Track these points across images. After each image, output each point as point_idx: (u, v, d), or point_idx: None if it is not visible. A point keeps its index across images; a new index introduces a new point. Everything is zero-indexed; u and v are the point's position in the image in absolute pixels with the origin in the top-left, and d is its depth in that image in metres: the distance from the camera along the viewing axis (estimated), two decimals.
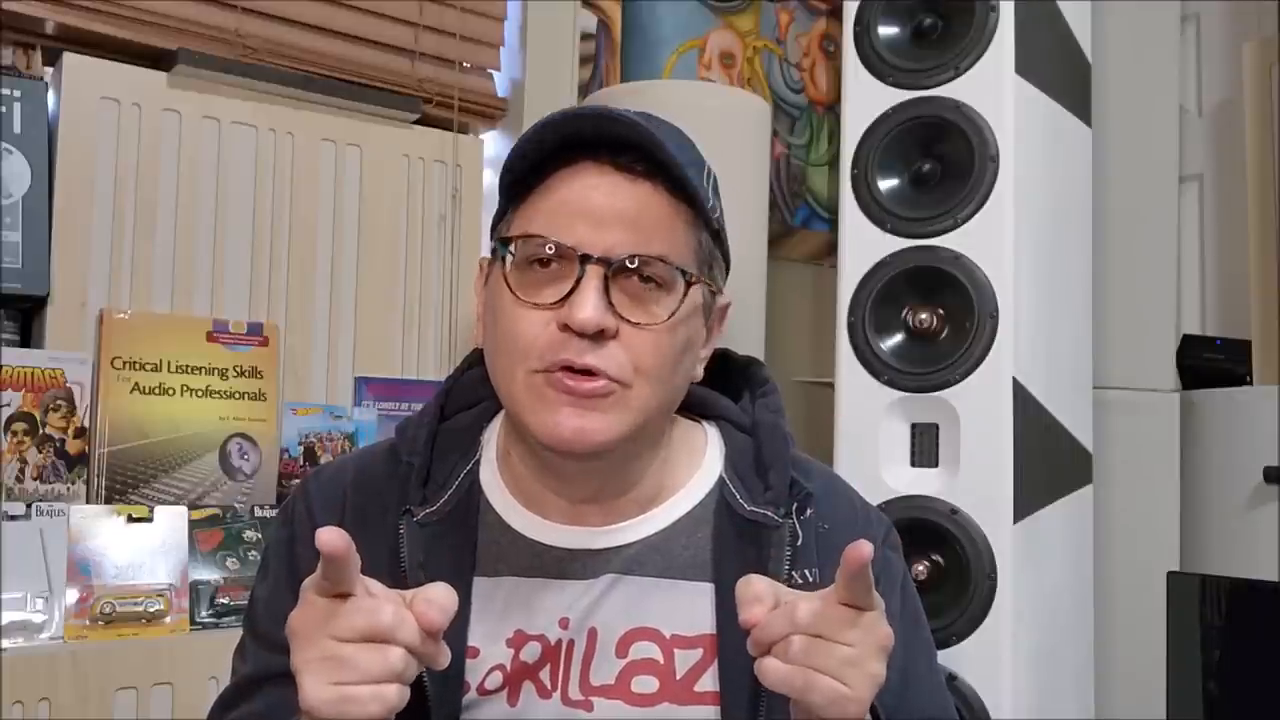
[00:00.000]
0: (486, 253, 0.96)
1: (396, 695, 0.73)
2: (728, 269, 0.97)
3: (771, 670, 0.76)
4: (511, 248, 0.87)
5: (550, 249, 0.86)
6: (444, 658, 0.76)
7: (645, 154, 0.87)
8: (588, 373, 0.85)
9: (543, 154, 0.88)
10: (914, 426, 1.85)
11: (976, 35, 1.83)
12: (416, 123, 1.92)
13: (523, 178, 0.89)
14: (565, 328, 0.84)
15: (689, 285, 0.89)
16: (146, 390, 1.59)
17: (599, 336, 0.84)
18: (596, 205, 0.86)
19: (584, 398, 0.85)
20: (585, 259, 0.85)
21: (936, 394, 1.80)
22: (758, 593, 0.77)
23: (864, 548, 0.73)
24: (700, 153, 0.94)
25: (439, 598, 0.74)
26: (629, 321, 0.86)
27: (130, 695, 1.44)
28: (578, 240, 0.85)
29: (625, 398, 0.86)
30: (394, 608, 0.73)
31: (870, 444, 1.85)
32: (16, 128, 1.54)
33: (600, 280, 0.85)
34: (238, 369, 1.67)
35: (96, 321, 1.58)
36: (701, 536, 0.94)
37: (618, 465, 0.91)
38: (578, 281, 0.84)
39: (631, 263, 0.86)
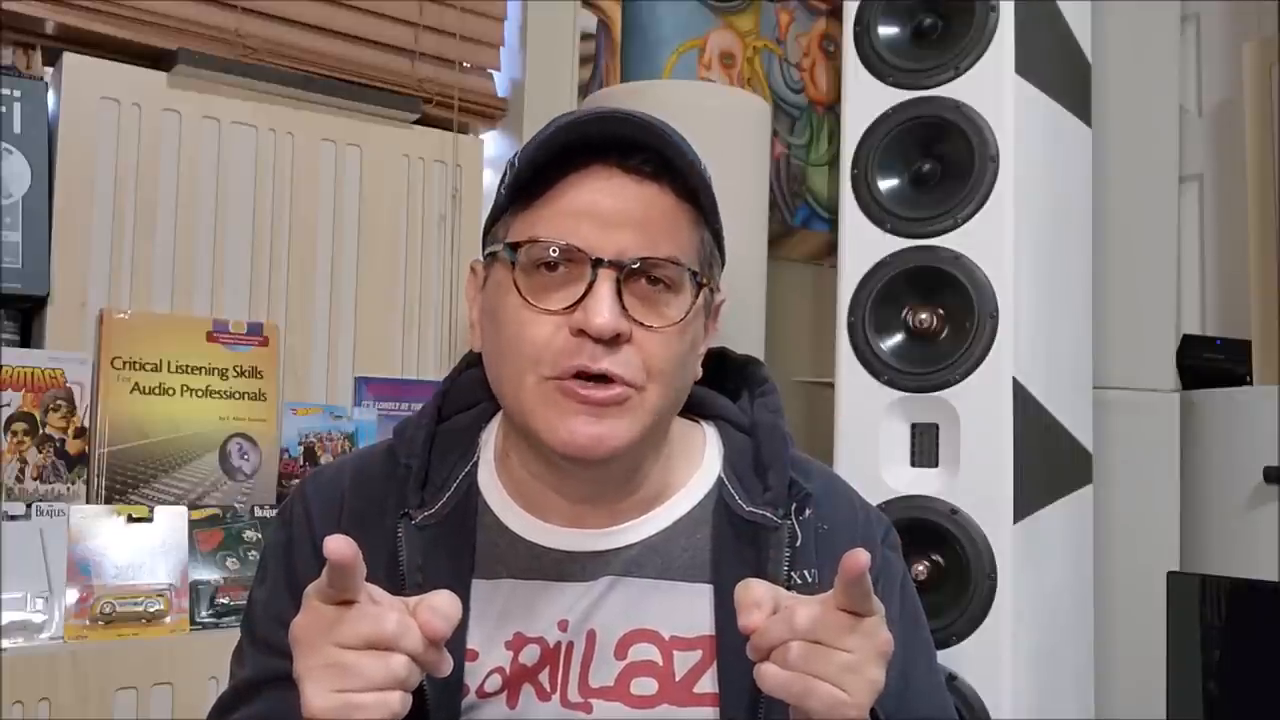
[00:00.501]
0: (480, 256, 0.96)
1: (400, 703, 0.73)
2: (723, 265, 0.97)
3: (770, 676, 0.76)
4: (519, 251, 0.87)
5: (557, 252, 0.85)
6: (447, 665, 0.76)
7: (652, 154, 0.87)
8: (602, 378, 0.84)
9: (549, 157, 0.87)
10: (914, 426, 1.85)
11: (976, 35, 1.83)
12: (416, 123, 1.92)
13: (526, 182, 0.89)
14: (580, 333, 0.84)
15: (700, 287, 0.89)
16: (146, 390, 1.59)
17: (614, 341, 0.84)
18: (604, 208, 0.86)
19: (599, 405, 0.84)
20: (598, 263, 0.84)
21: (936, 394, 1.80)
22: (756, 598, 0.77)
23: (861, 556, 0.73)
24: (697, 151, 0.94)
25: (443, 606, 0.74)
26: (642, 325, 0.86)
27: (130, 695, 1.44)
28: (587, 243, 0.85)
29: (639, 401, 0.86)
30: (398, 615, 0.73)
31: (870, 444, 1.85)
32: (16, 128, 1.54)
33: (613, 284, 0.84)
34: (238, 369, 1.67)
35: (96, 321, 1.58)
36: (700, 537, 0.94)
37: (625, 468, 0.91)
38: (590, 285, 0.84)
39: (642, 265, 0.86)
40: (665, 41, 2.29)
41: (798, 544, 0.92)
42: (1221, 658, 1.83)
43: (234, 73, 1.71)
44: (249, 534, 1.61)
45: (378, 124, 1.86)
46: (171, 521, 1.55)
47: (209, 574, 1.55)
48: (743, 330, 1.89)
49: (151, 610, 1.49)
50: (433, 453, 0.95)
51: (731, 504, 0.94)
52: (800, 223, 2.50)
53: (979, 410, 1.78)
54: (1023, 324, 1.79)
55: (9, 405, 1.48)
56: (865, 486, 1.15)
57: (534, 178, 0.88)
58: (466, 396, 0.99)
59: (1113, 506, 2.08)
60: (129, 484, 1.56)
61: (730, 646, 0.88)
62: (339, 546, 0.70)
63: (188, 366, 1.63)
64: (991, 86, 1.82)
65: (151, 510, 1.54)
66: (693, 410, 1.00)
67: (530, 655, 0.91)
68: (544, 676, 0.91)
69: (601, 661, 0.91)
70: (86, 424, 1.54)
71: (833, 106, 2.52)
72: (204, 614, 1.53)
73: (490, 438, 0.98)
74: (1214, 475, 2.16)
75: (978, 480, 1.78)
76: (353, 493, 0.95)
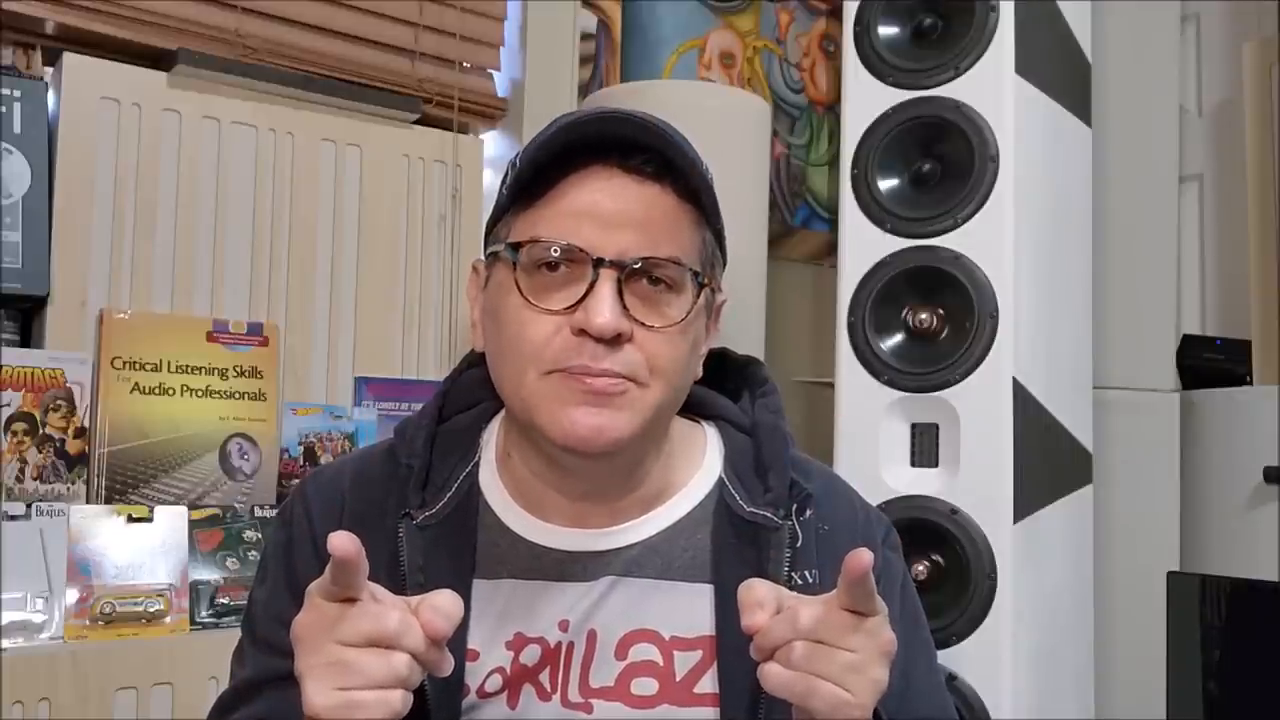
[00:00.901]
0: (481, 255, 0.96)
1: (401, 701, 0.73)
2: (724, 266, 0.97)
3: (773, 675, 0.76)
4: (520, 251, 0.87)
5: (558, 252, 0.85)
6: (448, 664, 0.76)
7: (654, 155, 0.87)
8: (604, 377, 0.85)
9: (550, 157, 0.87)
10: (914, 426, 1.85)
11: (976, 35, 1.83)
12: (416, 123, 1.92)
13: (527, 182, 0.89)
14: (581, 332, 0.84)
15: (701, 287, 0.89)
16: (146, 390, 1.59)
17: (615, 341, 0.84)
18: (605, 208, 0.86)
19: (600, 394, 0.85)
20: (599, 263, 0.84)
21: (936, 394, 1.80)
22: (759, 598, 0.77)
23: (864, 556, 0.73)
24: (698, 152, 0.94)
25: (444, 605, 0.74)
26: (643, 324, 0.86)
27: (130, 695, 1.44)
28: (588, 243, 0.85)
29: (640, 396, 0.86)
30: (400, 614, 0.73)
31: (870, 444, 1.85)
32: (16, 128, 1.54)
33: (614, 284, 0.84)
34: (238, 369, 1.67)
35: (96, 321, 1.58)
36: (701, 538, 0.94)
37: (627, 463, 0.91)
38: (591, 285, 0.84)
39: (643, 265, 0.86)
40: (665, 41, 2.29)
41: (798, 544, 0.92)
42: (1221, 658, 1.83)
43: (234, 73, 1.71)
44: (249, 534, 1.61)
45: (378, 124, 1.86)
46: (171, 521, 1.55)
47: (209, 574, 1.55)
48: (743, 330, 1.89)
49: (151, 610, 1.49)
50: (433, 453, 0.95)
51: (732, 504, 0.94)
52: (800, 223, 2.50)
53: (979, 410, 1.78)
54: (1023, 324, 1.79)
55: (9, 405, 1.48)
56: (865, 486, 1.15)
57: (535, 178, 0.88)
58: (467, 396, 0.99)
59: (1113, 506, 2.08)
60: (129, 484, 1.56)
61: (731, 647, 0.88)
62: (343, 543, 0.71)
63: (188, 366, 1.63)
64: (991, 86, 1.82)
65: (151, 510, 1.54)
66: (693, 411, 1.00)
67: (531, 655, 0.91)
68: (544, 676, 0.91)
69: (602, 662, 0.91)
70: (86, 424, 1.54)
71: (833, 106, 2.53)
72: (204, 614, 1.53)
73: (491, 438, 0.98)
74: (1214, 475, 2.16)
75: (978, 480, 1.78)
76: (353, 493, 0.95)
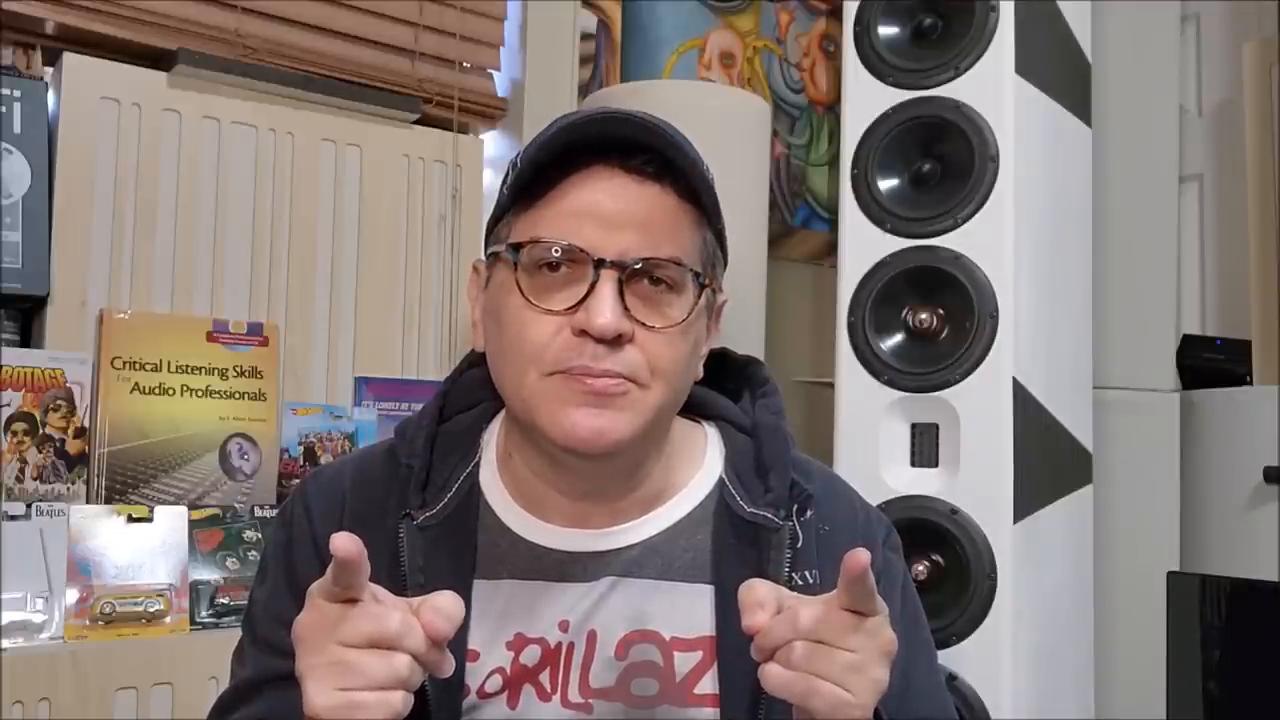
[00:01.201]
0: (481, 255, 0.96)
1: (402, 702, 0.73)
2: (725, 266, 0.97)
3: (773, 676, 0.76)
4: (521, 252, 0.87)
5: (559, 252, 0.85)
6: (449, 666, 0.76)
7: (654, 155, 0.87)
8: (605, 377, 0.85)
9: (550, 157, 0.87)
10: (914, 426, 1.85)
11: (976, 35, 1.83)
12: (416, 123, 1.92)
13: (528, 182, 0.89)
14: (582, 333, 0.84)
15: (702, 288, 0.89)
16: (146, 390, 1.59)
17: (616, 341, 0.84)
18: (606, 208, 0.86)
19: (601, 395, 0.85)
20: (600, 263, 0.84)
21: (936, 394, 1.80)
22: (760, 598, 0.77)
23: (862, 555, 0.73)
24: (699, 152, 0.94)
25: (446, 606, 0.74)
26: (644, 325, 0.86)
27: (130, 695, 1.44)
28: (589, 244, 0.85)
29: (640, 397, 0.86)
30: (401, 615, 0.73)
31: (870, 444, 1.85)
32: (16, 128, 1.54)
33: (615, 284, 0.84)
34: (238, 369, 1.67)
35: (96, 321, 1.58)
36: (701, 538, 0.94)
37: (627, 463, 0.91)
38: (592, 286, 0.84)
39: (644, 266, 0.86)
40: (665, 41, 2.29)
41: (799, 545, 0.92)
42: (1221, 658, 1.83)
43: (234, 73, 1.71)
44: (249, 534, 1.61)
45: (378, 124, 1.86)
46: (171, 521, 1.55)
47: (209, 574, 1.55)
48: (743, 330, 1.89)
49: (151, 610, 1.49)
50: (434, 453, 0.95)
51: (733, 505, 0.94)
52: (800, 223, 2.50)
53: (979, 410, 1.78)
54: (1023, 324, 1.79)
55: (9, 405, 1.48)
56: (865, 486, 1.15)
57: (536, 178, 0.88)
58: (468, 397, 0.99)
59: (1113, 506, 2.08)
60: (129, 484, 1.56)
61: (731, 647, 0.88)
62: (345, 544, 0.71)
63: (188, 366, 1.63)
64: (991, 86, 1.82)
65: (151, 510, 1.54)
66: (694, 411, 1.00)
67: (531, 656, 0.91)
68: (545, 677, 0.91)
69: (602, 662, 0.91)
70: (86, 424, 1.54)
71: (833, 106, 2.53)
72: (204, 614, 1.53)
73: (492, 438, 0.98)
74: (1214, 475, 2.16)
75: (978, 480, 1.78)
76: (354, 493, 0.95)
